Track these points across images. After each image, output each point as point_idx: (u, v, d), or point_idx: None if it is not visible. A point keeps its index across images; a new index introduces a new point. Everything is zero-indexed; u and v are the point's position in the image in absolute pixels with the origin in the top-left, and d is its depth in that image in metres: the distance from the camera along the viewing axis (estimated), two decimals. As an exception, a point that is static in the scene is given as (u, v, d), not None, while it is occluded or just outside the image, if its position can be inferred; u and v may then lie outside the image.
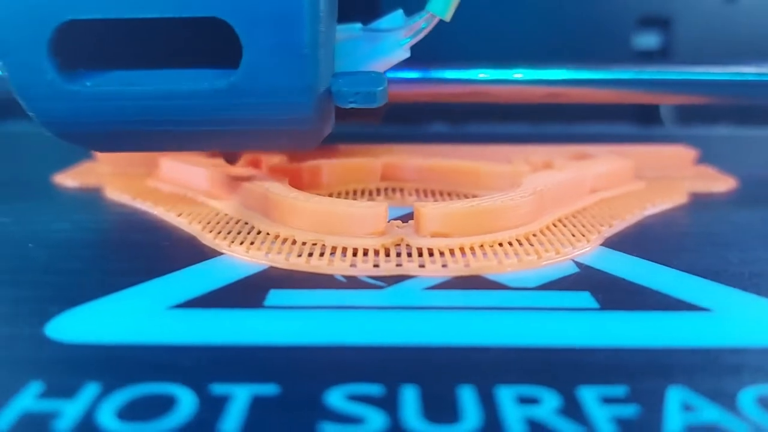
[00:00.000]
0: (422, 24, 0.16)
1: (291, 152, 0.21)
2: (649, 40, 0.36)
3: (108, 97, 0.15)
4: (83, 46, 0.15)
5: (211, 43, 0.15)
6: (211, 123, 0.15)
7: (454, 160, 0.21)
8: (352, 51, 0.17)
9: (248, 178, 0.19)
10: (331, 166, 0.21)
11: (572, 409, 0.10)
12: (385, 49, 0.17)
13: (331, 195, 0.20)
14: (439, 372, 0.11)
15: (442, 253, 0.15)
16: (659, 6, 0.36)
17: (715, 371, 0.11)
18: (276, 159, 0.21)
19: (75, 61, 0.15)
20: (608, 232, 0.17)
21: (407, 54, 0.17)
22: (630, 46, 0.36)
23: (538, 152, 0.22)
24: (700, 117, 0.36)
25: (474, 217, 0.16)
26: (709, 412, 0.10)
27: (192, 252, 0.16)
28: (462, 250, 0.16)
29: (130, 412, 0.10)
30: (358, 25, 0.17)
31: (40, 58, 0.14)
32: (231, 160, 0.20)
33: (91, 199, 0.20)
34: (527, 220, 0.17)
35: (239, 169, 0.20)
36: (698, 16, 0.36)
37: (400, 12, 0.17)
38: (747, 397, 0.10)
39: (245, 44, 0.14)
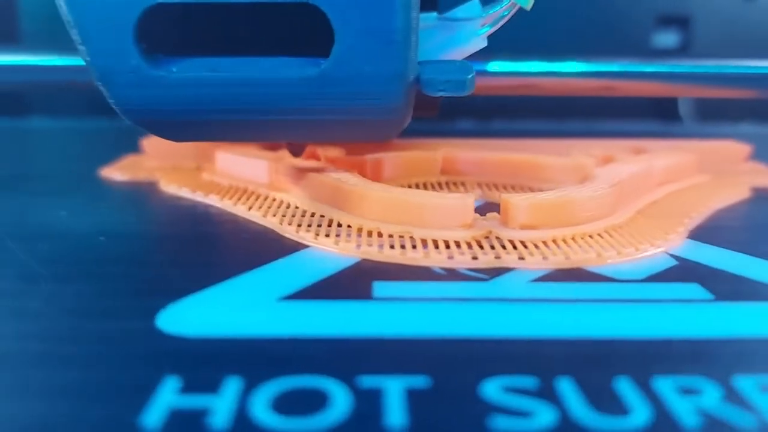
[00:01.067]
0: (502, 13, 0.16)
1: (357, 144, 0.21)
2: (668, 38, 0.36)
3: (194, 84, 0.14)
4: (167, 31, 0.14)
5: (295, 30, 0.15)
6: (298, 112, 0.15)
7: (514, 153, 0.21)
8: (428, 40, 0.16)
9: (317, 170, 0.18)
10: (393, 159, 0.20)
11: (734, 399, 0.09)
12: (462, 38, 0.16)
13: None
14: (588, 363, 0.10)
15: (536, 246, 0.15)
16: (678, 5, 0.36)
17: None
18: (335, 152, 0.20)
19: (159, 47, 0.14)
20: (690, 224, 0.17)
21: (485, 43, 0.17)
22: (649, 44, 0.36)
23: (596, 146, 0.22)
24: (719, 114, 0.36)
25: (562, 208, 0.16)
26: None
27: (277, 245, 0.15)
28: (555, 242, 0.15)
29: (284, 406, 0.09)
30: (434, 14, 0.17)
31: (125, 44, 0.14)
32: (296, 152, 0.20)
33: (147, 192, 0.20)
34: (609, 212, 0.17)
35: (306, 162, 0.19)
36: (717, 15, 0.36)
37: (476, 1, 0.17)
38: None
39: (337, 31, 0.14)
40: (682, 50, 0.37)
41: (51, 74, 0.27)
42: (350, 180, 0.17)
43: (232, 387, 0.10)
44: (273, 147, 0.21)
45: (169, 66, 0.14)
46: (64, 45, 0.34)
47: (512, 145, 0.22)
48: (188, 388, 0.10)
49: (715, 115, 0.36)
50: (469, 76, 0.15)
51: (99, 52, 0.14)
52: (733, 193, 0.20)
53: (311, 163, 0.19)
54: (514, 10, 0.16)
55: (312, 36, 0.14)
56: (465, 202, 0.16)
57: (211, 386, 0.10)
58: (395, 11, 0.14)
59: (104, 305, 0.12)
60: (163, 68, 0.14)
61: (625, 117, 0.35)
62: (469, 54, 0.17)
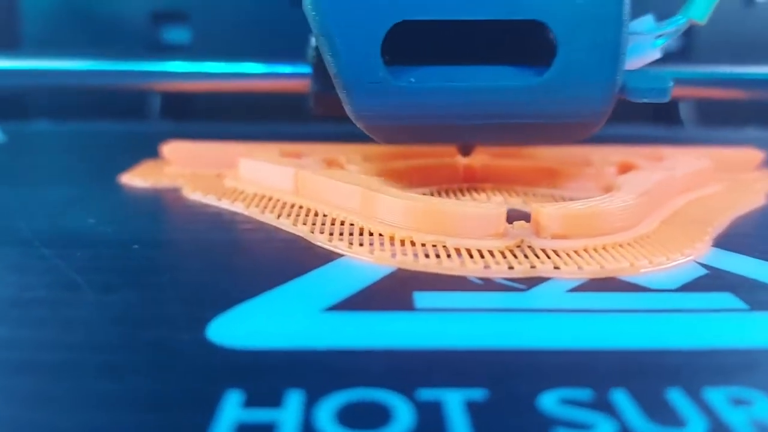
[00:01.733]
0: (677, 27, 0.17)
1: (377, 151, 0.21)
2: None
3: (431, 93, 0.16)
4: (402, 41, 0.16)
5: (513, 40, 0.16)
6: (518, 117, 0.16)
7: (536, 160, 0.21)
8: None
9: (345, 178, 0.18)
10: (416, 167, 0.20)
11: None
12: (640, 49, 0.17)
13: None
14: (639, 375, 0.11)
15: (569, 255, 0.15)
16: (678, 7, 0.36)
17: None
18: (358, 159, 0.21)
19: (396, 57, 0.16)
20: (714, 232, 0.17)
21: (659, 55, 0.18)
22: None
23: (615, 153, 0.22)
24: (720, 118, 0.36)
25: (594, 218, 0.16)
26: None
27: (310, 254, 0.15)
28: (587, 251, 0.15)
29: (349, 419, 0.09)
30: None
31: (372, 57, 0.15)
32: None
33: (172, 199, 0.20)
34: (637, 221, 0.17)
35: (332, 169, 0.19)
36: (717, 17, 0.37)
37: (650, 16, 0.18)
38: None
39: (560, 43, 0.16)
40: (683, 53, 0.37)
41: (53, 78, 0.27)
42: (380, 188, 0.17)
43: (295, 400, 0.10)
44: (295, 154, 0.22)
45: (408, 76, 0.16)
46: (65, 48, 0.35)
47: (528, 151, 0.22)
48: (251, 401, 0.10)
49: (716, 119, 0.37)
50: (671, 84, 0.17)
51: (347, 65, 0.16)
52: (750, 200, 0.20)
53: (338, 171, 0.19)
54: (687, 24, 0.17)
55: (526, 44, 0.16)
56: (498, 211, 0.16)
57: (274, 399, 0.10)
58: (615, 27, 0.16)
59: (152, 314, 0.12)
60: (404, 79, 0.16)
61: (624, 120, 0.35)
62: (645, 63, 0.18)
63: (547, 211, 0.16)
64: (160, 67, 0.28)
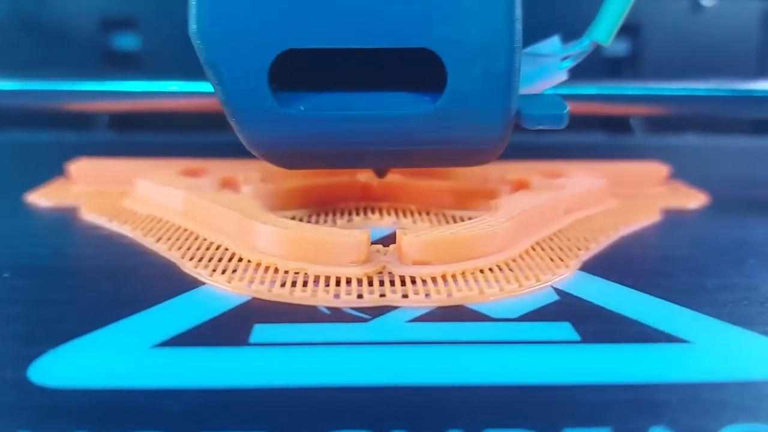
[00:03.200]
0: (582, 49, 0.17)
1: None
2: (619, 47, 0.37)
3: (321, 121, 0.16)
4: (292, 66, 0.16)
5: (404, 65, 0.16)
6: (411, 144, 0.16)
7: (434, 179, 0.21)
8: None
9: (227, 201, 0.18)
10: (313, 186, 0.21)
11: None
12: (545, 71, 0.18)
13: (311, 215, 0.20)
14: (426, 415, 0.11)
15: (424, 282, 0.15)
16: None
17: (696, 409, 0.11)
18: (256, 177, 0.21)
19: (283, 84, 0.16)
20: (585, 255, 0.18)
21: (565, 77, 0.18)
22: (600, 53, 0.36)
23: (513, 170, 0.22)
24: (671, 126, 0.37)
25: (455, 244, 0.16)
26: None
27: (173, 281, 0.16)
28: (444, 278, 0.16)
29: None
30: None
31: (259, 85, 0.15)
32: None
33: (66, 220, 0.20)
34: (507, 245, 0.17)
35: (220, 192, 0.20)
36: (666, 23, 0.37)
37: (556, 38, 0.18)
38: (727, 436, 0.10)
39: (450, 72, 0.16)
40: (633, 58, 0.37)
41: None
42: (253, 213, 0.17)
43: (78, 445, 0.10)
44: (194, 173, 0.22)
45: (297, 104, 0.16)
46: (13, 57, 0.35)
47: (429, 169, 0.23)
48: (37, 446, 0.10)
49: (667, 127, 0.37)
50: (565, 111, 0.17)
51: (234, 93, 0.16)
52: (642, 217, 0.21)
53: (224, 195, 0.19)
54: (593, 47, 0.17)
55: (421, 69, 0.16)
56: (359, 239, 0.16)
57: (58, 444, 0.10)
58: (505, 56, 0.15)
59: (-16, 352, 0.13)
60: (293, 107, 0.16)
61: (573, 129, 0.36)
62: (550, 86, 0.18)
63: (407, 238, 0.16)
64: (110, 86, 0.27)
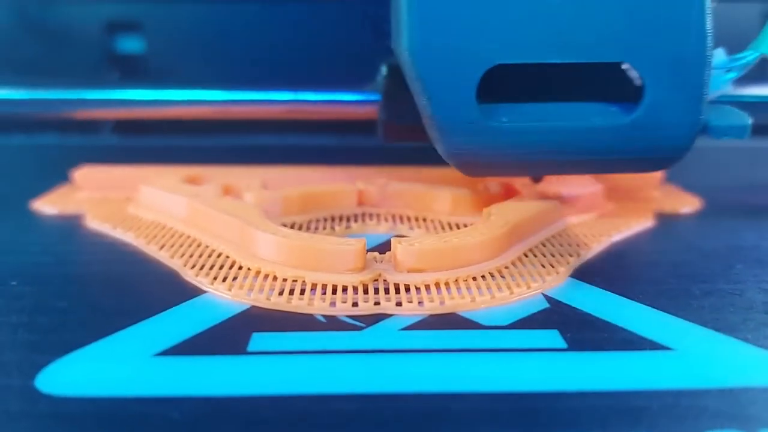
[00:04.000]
0: (747, 61, 0.18)
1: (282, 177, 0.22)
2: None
3: (522, 132, 0.16)
4: (493, 78, 0.16)
5: (597, 77, 0.17)
6: (606, 153, 0.17)
7: (428, 185, 0.22)
8: None
9: (230, 210, 0.19)
10: (311, 193, 0.21)
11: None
12: (712, 83, 0.17)
13: (310, 221, 0.21)
14: (418, 422, 0.11)
15: (418, 289, 0.16)
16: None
17: (675, 415, 0.12)
18: (257, 185, 0.21)
19: (486, 94, 0.16)
20: (577, 262, 0.18)
21: (730, 88, 0.18)
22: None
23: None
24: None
25: (448, 252, 0.17)
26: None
27: (175, 290, 0.16)
28: (437, 285, 0.16)
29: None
30: None
31: (467, 100, 0.16)
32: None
33: (71, 228, 0.21)
34: (499, 252, 0.18)
35: (222, 199, 0.20)
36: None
37: (721, 50, 0.18)
38: (704, 442, 0.11)
39: (647, 84, 0.16)
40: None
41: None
42: (253, 221, 0.18)
43: (81, 453, 0.10)
44: (196, 180, 0.22)
45: (500, 116, 0.16)
46: (19, 61, 0.35)
47: (425, 174, 0.23)
48: (43, 453, 0.10)
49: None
50: (750, 122, 0.17)
51: (442, 106, 0.16)
52: (635, 222, 0.21)
53: (226, 202, 0.20)
54: (759, 59, 0.18)
55: (613, 80, 0.17)
56: (356, 247, 0.17)
57: (63, 452, 0.10)
58: (700, 68, 0.16)
59: (-7, 360, 0.13)
60: (496, 119, 0.16)
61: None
62: (716, 97, 0.18)
63: (402, 246, 0.16)
64: (115, 95, 0.27)
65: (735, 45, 0.19)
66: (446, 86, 0.16)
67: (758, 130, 0.35)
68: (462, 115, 0.16)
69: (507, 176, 0.21)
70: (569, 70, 0.16)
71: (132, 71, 0.36)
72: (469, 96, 0.16)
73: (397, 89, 0.21)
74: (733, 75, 0.18)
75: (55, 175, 0.25)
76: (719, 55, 0.18)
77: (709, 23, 0.16)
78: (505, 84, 0.16)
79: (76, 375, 0.13)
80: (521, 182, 0.22)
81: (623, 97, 0.17)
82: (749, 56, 0.18)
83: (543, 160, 0.17)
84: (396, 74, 0.21)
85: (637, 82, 0.16)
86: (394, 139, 0.22)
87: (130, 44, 0.37)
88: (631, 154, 0.17)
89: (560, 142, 0.17)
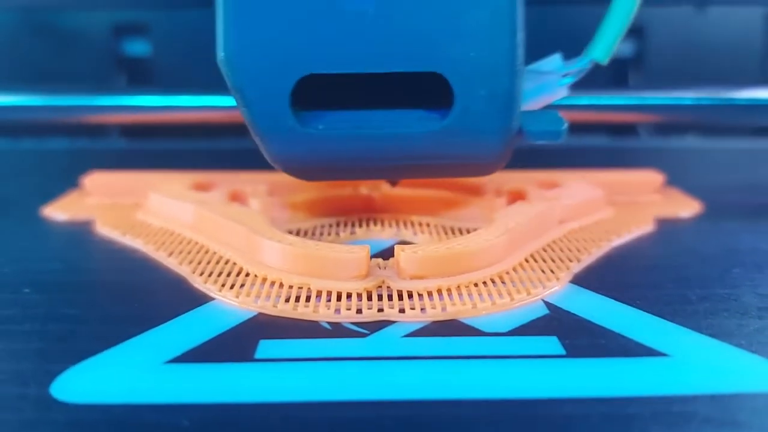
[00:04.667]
0: (582, 67, 0.18)
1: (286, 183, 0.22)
2: (624, 48, 0.37)
3: (338, 139, 0.17)
4: (308, 88, 0.17)
5: (411, 84, 0.17)
6: (418, 158, 0.18)
7: (432, 190, 0.22)
8: None
9: (236, 216, 0.19)
10: (316, 199, 0.22)
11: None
12: (546, 88, 0.19)
13: (315, 227, 0.21)
14: (420, 429, 0.12)
15: (420, 296, 0.16)
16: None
17: (666, 421, 0.12)
18: (263, 191, 0.22)
19: (304, 101, 0.17)
20: (577, 267, 0.18)
21: (566, 93, 0.19)
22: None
23: (511, 180, 0.23)
24: (672, 129, 0.37)
25: (450, 259, 0.17)
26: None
27: (183, 297, 0.17)
28: (440, 291, 0.17)
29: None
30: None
31: (282, 107, 0.17)
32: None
33: (81, 234, 0.21)
34: (500, 259, 0.18)
35: (231, 204, 0.21)
36: (670, 25, 0.37)
37: (557, 55, 0.19)
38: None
39: (457, 93, 0.17)
40: (637, 60, 0.38)
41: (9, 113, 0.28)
42: (262, 229, 0.18)
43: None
44: (204, 187, 0.23)
45: (316, 123, 0.17)
46: (27, 63, 0.36)
47: (436, 180, 0.23)
48: (58, 460, 0.11)
49: (669, 130, 0.37)
50: (564, 126, 0.18)
51: (259, 114, 0.17)
52: (635, 227, 0.21)
53: (233, 209, 0.20)
54: (591, 65, 0.18)
55: (426, 87, 0.17)
56: (359, 255, 0.17)
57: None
58: (508, 78, 0.17)
59: (9, 368, 0.14)
60: (312, 126, 0.17)
61: (574, 132, 0.36)
62: (551, 102, 0.19)
63: (405, 253, 0.17)
64: (123, 101, 0.28)
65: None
66: (261, 94, 0.17)
67: (761, 132, 0.35)
68: (278, 123, 0.17)
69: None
70: (390, 77, 0.17)
71: (139, 75, 0.36)
72: (283, 104, 0.17)
73: None
74: (568, 80, 0.19)
75: (65, 180, 0.25)
76: (556, 60, 0.19)
77: (520, 34, 0.16)
78: (326, 91, 0.17)
79: (89, 383, 0.13)
80: (528, 186, 0.22)
81: (440, 104, 0.17)
82: (582, 61, 0.18)
83: (363, 166, 0.18)
84: None
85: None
86: None
87: (137, 48, 0.37)
88: (446, 160, 0.18)
89: (375, 148, 0.17)
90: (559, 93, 0.19)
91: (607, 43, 0.18)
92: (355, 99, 0.17)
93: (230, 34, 0.16)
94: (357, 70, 0.17)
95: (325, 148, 0.17)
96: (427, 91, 0.17)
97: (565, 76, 0.19)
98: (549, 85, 0.19)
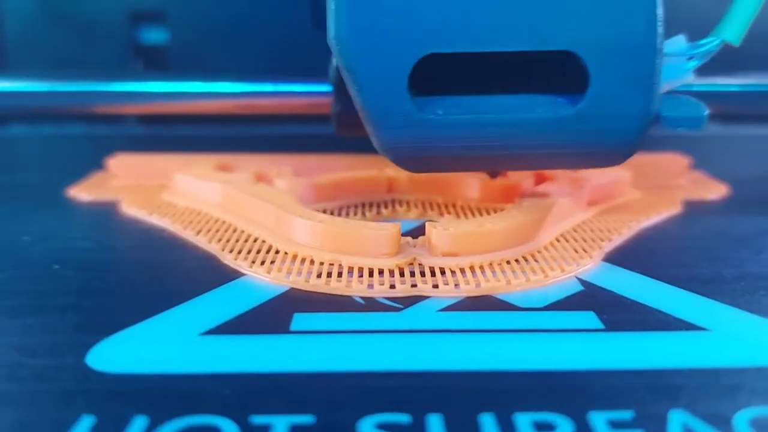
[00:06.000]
0: (710, 48, 0.17)
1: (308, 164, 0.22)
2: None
3: (458, 125, 0.16)
4: (429, 70, 0.15)
5: (542, 68, 0.16)
6: (549, 147, 0.16)
7: (457, 173, 0.22)
8: None
9: (267, 195, 0.19)
10: (341, 180, 0.21)
11: (586, 435, 0.11)
12: (671, 72, 0.17)
13: (341, 208, 0.21)
14: (459, 399, 0.12)
15: (453, 273, 0.16)
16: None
17: (713, 393, 0.12)
18: (288, 172, 0.22)
19: (421, 87, 0.16)
20: (608, 246, 0.18)
21: (692, 76, 0.17)
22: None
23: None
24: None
25: (482, 237, 0.17)
26: (708, 435, 0.11)
27: (215, 273, 0.17)
28: (472, 269, 0.16)
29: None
30: None
31: (399, 90, 0.15)
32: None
33: (108, 214, 0.21)
34: (531, 237, 0.18)
35: (257, 185, 0.20)
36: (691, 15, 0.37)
37: (681, 37, 0.17)
38: (741, 419, 0.11)
39: (593, 74, 0.15)
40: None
41: (35, 100, 0.28)
42: (292, 207, 0.18)
43: (138, 425, 0.11)
44: (228, 168, 0.23)
45: (435, 108, 0.16)
46: (46, 50, 0.36)
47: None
48: (100, 426, 0.11)
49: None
50: (706, 113, 0.16)
51: (373, 98, 0.15)
52: (663, 209, 0.21)
53: (261, 188, 0.20)
54: (721, 46, 0.17)
55: (558, 71, 0.16)
56: (391, 231, 0.17)
57: (120, 424, 0.11)
58: (649, 57, 0.15)
59: (45, 341, 0.14)
60: (430, 111, 0.16)
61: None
62: (677, 86, 0.17)
63: (437, 230, 0.17)
64: (140, 87, 0.28)
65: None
66: (376, 77, 0.15)
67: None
68: (394, 108, 0.15)
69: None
70: (509, 61, 0.15)
71: (156, 62, 0.36)
72: (401, 87, 0.15)
73: None
74: (694, 63, 0.17)
75: (86, 165, 0.25)
76: (679, 42, 0.17)
77: (660, 9, 0.15)
78: (440, 76, 0.16)
79: (125, 353, 0.13)
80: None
81: (568, 89, 0.16)
82: (711, 43, 0.17)
83: (482, 155, 0.16)
84: None
85: (583, 71, 0.16)
86: (347, 132, 0.22)
87: (155, 35, 0.37)
88: (576, 148, 0.16)
89: (500, 135, 0.16)
90: (685, 78, 0.17)
91: (740, 21, 0.17)
92: (477, 86, 0.16)
93: (343, 8, 0.15)
94: (483, 49, 0.15)
95: (444, 136, 0.16)
96: (550, 75, 0.16)
97: (690, 59, 0.17)
98: (673, 68, 0.17)
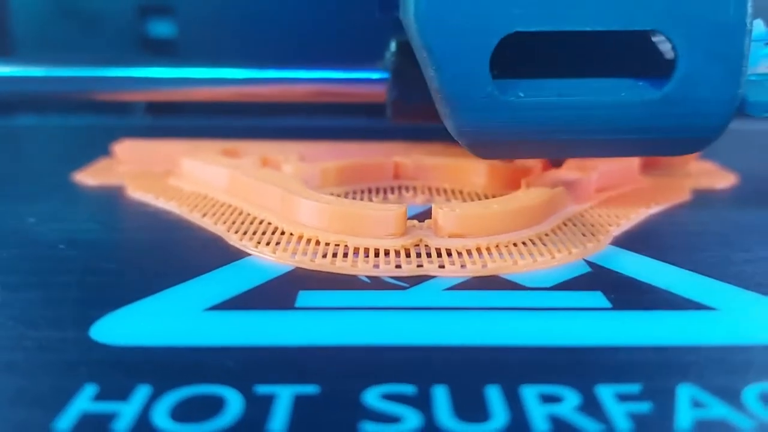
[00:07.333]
0: None
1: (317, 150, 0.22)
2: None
3: (541, 108, 0.15)
4: (509, 52, 0.15)
5: (625, 51, 0.16)
6: (630, 132, 0.16)
7: (464, 159, 0.22)
8: None
9: (272, 179, 0.19)
10: (348, 165, 0.21)
11: (591, 407, 0.11)
12: (751, 57, 0.16)
13: (347, 193, 0.21)
14: (465, 372, 0.11)
15: (459, 254, 0.16)
16: None
17: (722, 369, 0.12)
18: (294, 157, 0.22)
19: (501, 69, 0.15)
20: (616, 231, 0.18)
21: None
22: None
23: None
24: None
25: (489, 219, 0.17)
26: (717, 408, 0.11)
27: (220, 253, 0.17)
28: (479, 250, 0.16)
29: (182, 413, 0.10)
30: None
31: (480, 70, 0.15)
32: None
33: (114, 198, 0.21)
34: (539, 220, 0.18)
35: (264, 170, 0.20)
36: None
37: (760, 21, 0.17)
38: (750, 393, 0.11)
39: (680, 55, 0.15)
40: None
41: (43, 85, 0.28)
42: (298, 190, 0.18)
43: (141, 394, 0.11)
44: (234, 154, 0.23)
45: (516, 91, 0.15)
46: (54, 42, 0.36)
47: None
48: (103, 395, 0.11)
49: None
50: None
51: (452, 79, 0.15)
52: (671, 196, 0.21)
53: (267, 172, 0.20)
54: None
55: (639, 54, 0.15)
56: (397, 212, 0.17)
57: (123, 393, 0.11)
58: (738, 36, 0.15)
59: (48, 314, 0.13)
60: (512, 93, 0.15)
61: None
62: (753, 73, 0.17)
63: (443, 211, 0.17)
64: (146, 73, 0.28)
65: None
66: (456, 56, 0.15)
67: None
68: (474, 89, 0.15)
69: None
70: (591, 42, 0.15)
71: (163, 55, 0.36)
72: (482, 67, 0.15)
73: (407, 67, 0.20)
74: None
75: (92, 153, 0.25)
76: (758, 27, 0.17)
77: None
78: (520, 58, 0.15)
79: (129, 327, 0.13)
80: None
81: (652, 72, 0.15)
82: None
83: (564, 139, 0.16)
84: (406, 51, 0.20)
85: (668, 54, 0.15)
86: (403, 119, 0.21)
87: (162, 28, 0.37)
88: (662, 134, 0.16)
89: (584, 119, 0.15)
90: (763, 63, 0.17)
91: None
92: (552, 67, 0.16)
93: None
94: (568, 28, 0.15)
95: (526, 119, 0.15)
96: (632, 58, 0.16)
97: (767, 44, 0.17)
98: (752, 54, 0.16)
